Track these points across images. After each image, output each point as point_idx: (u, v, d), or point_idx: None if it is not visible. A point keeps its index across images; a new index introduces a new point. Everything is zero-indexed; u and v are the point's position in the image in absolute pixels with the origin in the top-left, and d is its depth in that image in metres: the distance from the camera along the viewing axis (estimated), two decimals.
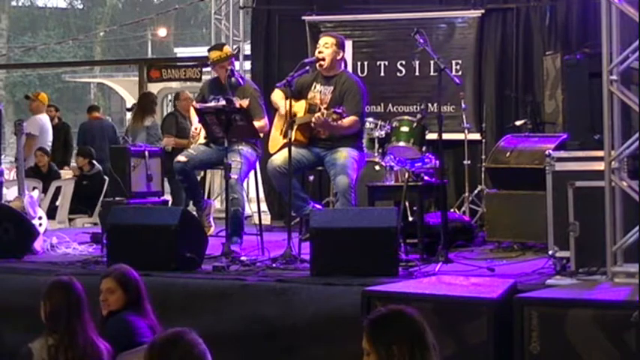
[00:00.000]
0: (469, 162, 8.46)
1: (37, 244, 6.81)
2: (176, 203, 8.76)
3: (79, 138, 11.59)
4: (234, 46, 10.52)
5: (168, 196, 8.54)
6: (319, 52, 6.78)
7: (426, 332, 3.10)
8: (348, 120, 6.54)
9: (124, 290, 4.57)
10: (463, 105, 8.46)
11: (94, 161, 10.41)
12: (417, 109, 8.31)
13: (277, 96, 6.88)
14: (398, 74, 9.25)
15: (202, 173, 9.52)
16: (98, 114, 12.26)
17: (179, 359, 3.07)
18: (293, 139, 6.41)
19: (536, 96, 8.66)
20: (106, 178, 9.67)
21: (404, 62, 9.19)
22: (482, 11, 9.07)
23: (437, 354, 3.09)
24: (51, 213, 9.13)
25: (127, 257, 5.31)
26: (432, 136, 6.97)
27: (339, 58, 6.82)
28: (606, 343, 4.13)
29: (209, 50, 7.31)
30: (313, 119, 6.54)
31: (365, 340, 3.10)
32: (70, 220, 9.85)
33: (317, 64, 6.81)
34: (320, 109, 6.59)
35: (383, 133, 7.34)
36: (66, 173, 10.87)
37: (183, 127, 9.29)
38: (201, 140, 7.08)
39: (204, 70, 11.85)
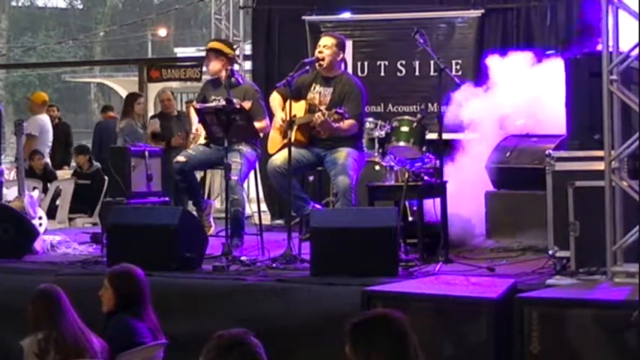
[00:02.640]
0: None
1: (37, 244, 6.81)
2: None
3: (95, 137, 11.58)
4: (234, 46, 10.52)
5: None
6: (319, 53, 6.77)
7: (408, 338, 3.05)
8: (348, 122, 6.54)
9: (114, 290, 4.57)
10: None
11: (93, 159, 10.42)
12: (417, 109, 8.32)
13: (275, 101, 6.88)
14: (398, 74, 9.25)
15: (202, 173, 9.54)
16: (113, 113, 12.27)
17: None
18: (293, 139, 6.41)
19: None
20: (106, 177, 9.68)
21: (404, 62, 9.19)
22: (483, 11, 9.07)
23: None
24: (51, 213, 9.13)
25: (127, 257, 5.29)
26: (432, 136, 6.97)
27: (339, 59, 6.82)
28: (606, 343, 4.13)
29: (215, 40, 7.38)
30: (314, 119, 6.55)
31: (346, 343, 3.09)
32: (70, 220, 9.85)
33: (316, 65, 6.81)
34: (320, 110, 6.59)
35: (383, 133, 7.33)
36: (65, 173, 10.86)
37: (163, 127, 9.38)
38: (201, 140, 7.08)
39: (204, 70, 11.85)
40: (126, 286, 4.57)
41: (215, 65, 7.06)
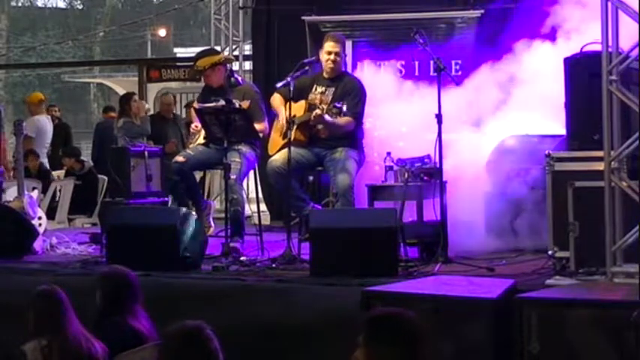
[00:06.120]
0: None
1: (37, 245, 6.81)
2: None
3: (95, 137, 11.57)
4: (234, 46, 10.53)
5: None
6: (332, 61, 6.75)
7: (422, 340, 3.08)
8: (345, 119, 6.55)
9: (102, 291, 4.57)
10: None
11: (83, 159, 10.41)
12: None
13: (277, 102, 6.88)
14: (398, 74, 9.23)
15: (202, 174, 9.55)
16: (114, 114, 12.30)
17: (194, 354, 3.05)
18: (292, 138, 6.41)
19: None
20: (102, 177, 9.68)
21: (404, 62, 9.18)
22: (482, 11, 9.06)
23: None
24: (50, 213, 9.12)
25: (126, 257, 5.31)
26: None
27: (344, 60, 6.91)
28: (606, 342, 4.13)
29: (199, 58, 7.26)
30: (312, 115, 6.55)
31: (361, 334, 3.11)
32: (70, 220, 9.84)
33: (326, 67, 6.80)
34: (319, 108, 6.60)
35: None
36: (63, 173, 10.84)
37: (159, 130, 9.51)
38: (201, 140, 7.09)
39: None
40: (114, 287, 4.55)
41: (218, 77, 7.07)
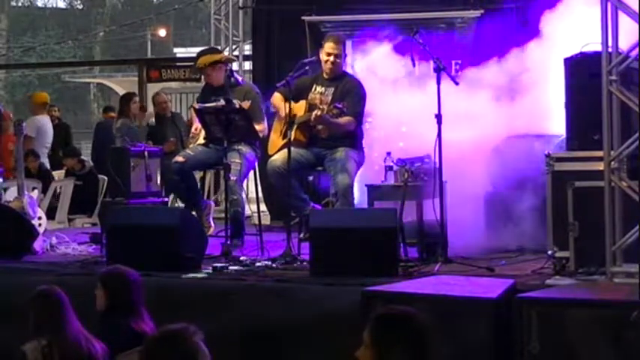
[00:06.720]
0: None
1: (37, 245, 6.81)
2: None
3: (96, 137, 11.58)
4: (234, 46, 10.54)
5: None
6: (331, 63, 6.74)
7: (430, 339, 3.09)
8: (345, 119, 6.55)
9: (105, 290, 4.57)
10: None
11: (84, 159, 10.42)
12: None
13: (277, 99, 6.89)
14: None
15: (202, 173, 9.56)
16: (114, 114, 12.32)
17: (175, 358, 3.03)
18: (292, 138, 6.42)
19: None
20: (102, 177, 9.69)
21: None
22: (482, 11, 9.06)
23: None
24: (50, 213, 9.13)
25: (126, 257, 5.31)
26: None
27: (343, 59, 6.89)
28: (605, 343, 4.13)
29: (200, 56, 7.26)
30: (313, 116, 6.55)
31: (366, 332, 3.11)
32: (70, 220, 9.84)
33: (325, 68, 6.79)
34: (319, 108, 6.60)
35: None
36: (62, 174, 10.85)
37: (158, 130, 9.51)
38: (201, 140, 7.09)
39: None
40: (116, 286, 4.56)
41: (218, 75, 7.07)
